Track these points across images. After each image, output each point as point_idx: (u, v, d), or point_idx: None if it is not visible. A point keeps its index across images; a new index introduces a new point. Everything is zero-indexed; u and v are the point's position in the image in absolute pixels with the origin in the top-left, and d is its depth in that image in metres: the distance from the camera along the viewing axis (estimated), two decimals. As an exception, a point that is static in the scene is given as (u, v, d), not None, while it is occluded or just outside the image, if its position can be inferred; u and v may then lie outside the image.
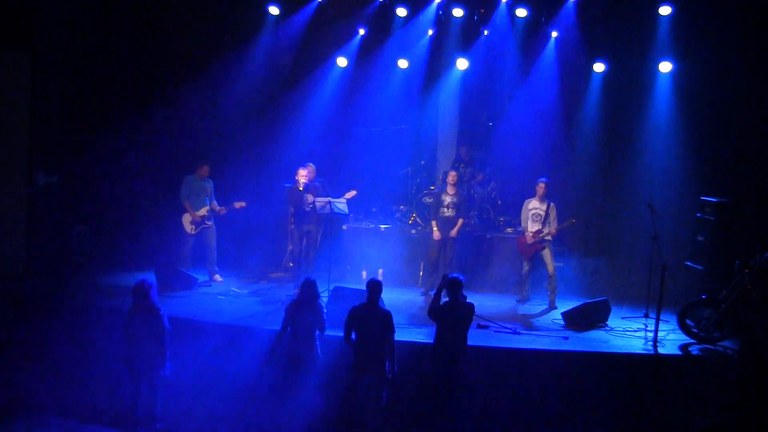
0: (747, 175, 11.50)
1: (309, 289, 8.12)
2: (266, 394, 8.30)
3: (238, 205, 11.56)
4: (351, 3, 13.23)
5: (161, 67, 13.15)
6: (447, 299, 7.98)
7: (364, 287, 8.06)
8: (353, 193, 11.09)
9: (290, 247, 11.72)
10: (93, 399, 8.75)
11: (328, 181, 11.88)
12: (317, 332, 8.07)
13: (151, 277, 10.76)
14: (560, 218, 10.95)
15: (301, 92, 13.63)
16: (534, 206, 10.93)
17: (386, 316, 7.82)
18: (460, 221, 11.11)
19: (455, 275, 7.99)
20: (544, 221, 10.79)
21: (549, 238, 10.80)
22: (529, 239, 10.83)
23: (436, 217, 11.17)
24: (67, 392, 8.94)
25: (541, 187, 10.89)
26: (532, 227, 10.88)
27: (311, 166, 11.56)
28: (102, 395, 8.72)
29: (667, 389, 8.41)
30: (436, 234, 11.02)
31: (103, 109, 12.69)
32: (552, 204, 10.89)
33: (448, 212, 11.02)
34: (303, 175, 11.10)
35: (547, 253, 10.80)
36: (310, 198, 11.12)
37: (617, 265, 12.47)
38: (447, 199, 11.08)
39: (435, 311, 7.90)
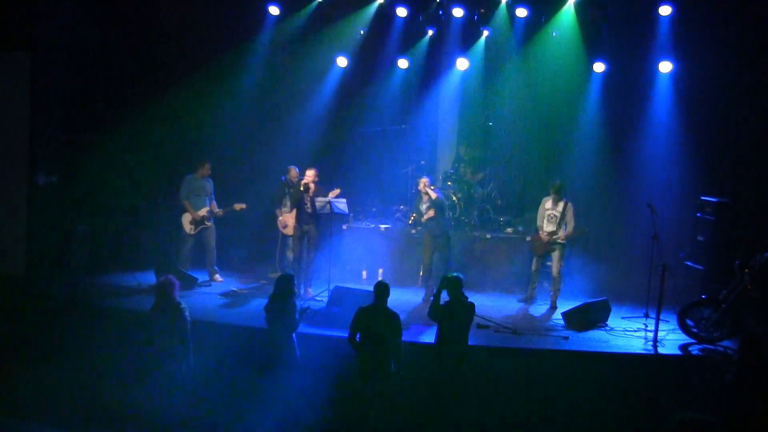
0: (747, 175, 11.51)
1: (282, 285, 7.99)
2: (251, 395, 8.30)
3: (238, 206, 11.51)
4: (351, 3, 13.24)
5: (161, 67, 13.15)
6: (447, 299, 7.97)
7: (364, 287, 8.03)
8: (337, 191, 11.04)
9: (289, 255, 11.67)
10: (94, 399, 8.74)
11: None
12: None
13: (151, 276, 10.83)
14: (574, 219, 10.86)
15: (302, 92, 13.65)
16: (548, 207, 10.81)
17: (394, 319, 7.71)
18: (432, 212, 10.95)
19: (455, 274, 7.98)
20: (559, 223, 10.71)
21: (561, 240, 10.73)
22: (544, 238, 10.76)
23: (422, 224, 11.17)
24: (67, 393, 8.93)
25: (552, 191, 10.79)
26: (547, 228, 10.81)
27: (295, 169, 11.55)
28: (103, 395, 8.71)
29: (667, 389, 8.41)
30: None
31: (103, 109, 12.69)
32: (569, 204, 10.78)
33: (429, 213, 10.92)
34: (310, 176, 11.04)
35: (556, 255, 10.72)
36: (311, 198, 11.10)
37: (617, 265, 12.47)
38: (424, 207, 11.01)
39: (435, 311, 7.89)
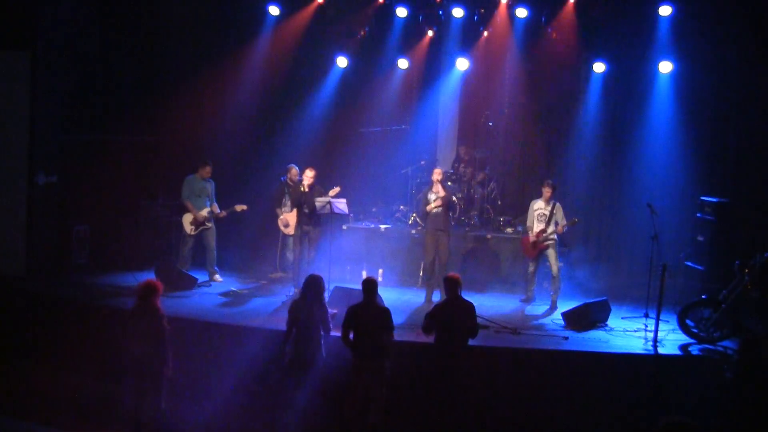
0: (747, 175, 11.50)
1: (314, 286, 7.86)
2: (269, 396, 8.27)
3: (239, 208, 11.50)
4: (351, 3, 13.24)
5: (161, 67, 13.16)
6: (445, 298, 7.96)
7: (364, 287, 7.99)
8: (337, 189, 11.03)
9: (290, 255, 11.65)
10: (94, 399, 8.75)
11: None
12: (322, 332, 7.91)
13: (151, 276, 10.82)
14: (565, 217, 10.89)
15: (302, 92, 13.65)
16: (539, 207, 10.86)
17: (384, 314, 7.74)
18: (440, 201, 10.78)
19: (453, 273, 7.97)
20: (549, 221, 10.74)
21: (554, 237, 10.75)
22: (533, 238, 10.79)
23: (425, 217, 11.05)
24: (67, 392, 8.94)
25: (547, 189, 10.81)
26: (537, 227, 10.83)
27: (295, 168, 11.57)
28: (103, 395, 8.72)
29: (667, 389, 8.41)
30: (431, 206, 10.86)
31: (103, 109, 12.69)
32: (558, 204, 10.83)
33: (437, 202, 10.79)
34: (310, 177, 11.02)
35: (551, 253, 10.74)
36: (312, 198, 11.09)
37: (617, 265, 12.47)
38: (433, 197, 10.85)
39: (426, 326, 7.83)
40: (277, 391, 8.05)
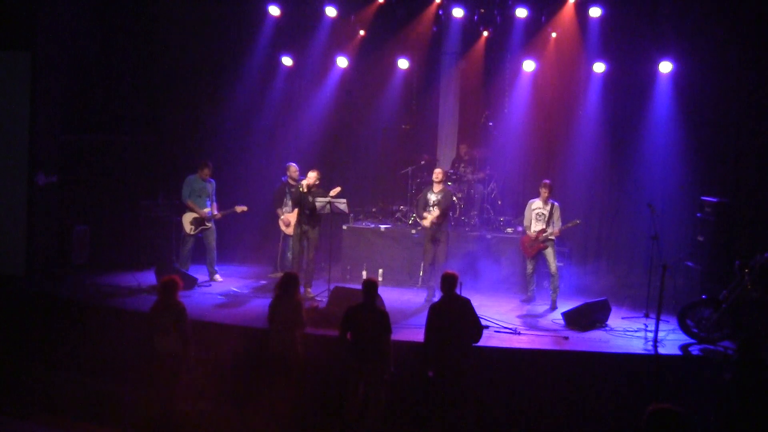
0: (747, 175, 11.50)
1: (285, 283, 7.93)
2: (253, 394, 8.28)
3: (239, 209, 11.51)
4: (351, 3, 13.25)
5: (161, 67, 13.17)
6: (440, 296, 7.96)
7: (364, 287, 7.99)
8: (338, 189, 11.03)
9: (290, 255, 11.65)
10: (94, 399, 8.74)
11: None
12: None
13: (151, 276, 10.84)
14: (563, 218, 10.91)
15: (302, 92, 13.66)
16: (537, 206, 10.88)
17: (382, 316, 7.71)
18: (437, 214, 10.86)
19: (448, 271, 7.97)
20: (548, 221, 10.75)
21: (552, 238, 10.77)
22: (533, 236, 10.79)
23: (422, 216, 11.13)
24: (67, 392, 8.94)
25: (544, 188, 10.84)
26: (535, 227, 10.85)
27: (294, 166, 11.57)
28: (103, 395, 8.73)
29: (667, 389, 8.40)
30: (427, 222, 10.90)
31: (103, 109, 12.70)
32: (555, 204, 10.85)
33: (433, 210, 10.91)
34: (312, 178, 11.01)
35: (549, 253, 10.77)
36: (310, 199, 11.10)
37: (617, 265, 12.47)
38: (432, 198, 10.96)
39: (426, 326, 7.85)
40: (266, 389, 8.05)
